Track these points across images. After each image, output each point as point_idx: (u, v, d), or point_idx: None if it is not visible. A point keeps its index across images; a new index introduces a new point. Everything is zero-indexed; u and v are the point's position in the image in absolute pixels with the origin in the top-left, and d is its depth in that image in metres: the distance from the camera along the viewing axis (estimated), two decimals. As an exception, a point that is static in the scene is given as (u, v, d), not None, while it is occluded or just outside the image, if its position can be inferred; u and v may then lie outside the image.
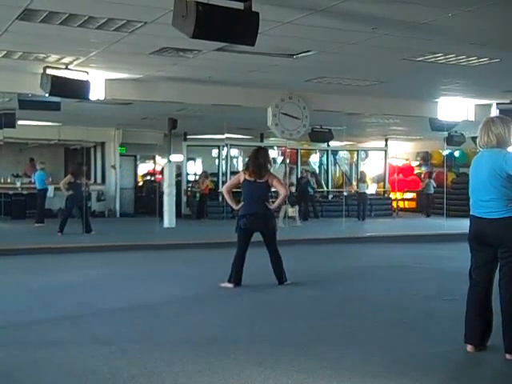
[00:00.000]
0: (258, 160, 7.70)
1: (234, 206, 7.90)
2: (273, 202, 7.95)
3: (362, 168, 21.96)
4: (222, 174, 20.10)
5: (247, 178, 7.67)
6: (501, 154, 4.62)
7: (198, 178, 20.41)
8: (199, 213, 19.04)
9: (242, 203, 7.77)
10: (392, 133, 21.16)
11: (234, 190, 8.09)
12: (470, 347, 4.79)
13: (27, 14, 7.15)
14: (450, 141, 16.96)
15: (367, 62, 9.96)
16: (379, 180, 23.02)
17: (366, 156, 23.79)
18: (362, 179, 19.67)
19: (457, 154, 21.92)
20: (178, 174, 19.78)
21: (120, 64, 10.32)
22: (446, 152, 20.06)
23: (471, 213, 4.80)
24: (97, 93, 11.12)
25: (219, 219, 17.81)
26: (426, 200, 21.04)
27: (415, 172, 23.84)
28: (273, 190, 8.06)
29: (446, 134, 16.38)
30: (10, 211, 17.92)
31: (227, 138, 18.86)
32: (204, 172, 20.16)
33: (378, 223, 17.79)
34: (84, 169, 14.29)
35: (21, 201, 18.47)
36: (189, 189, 20.33)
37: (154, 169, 23.74)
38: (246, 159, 8.24)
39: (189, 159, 21.07)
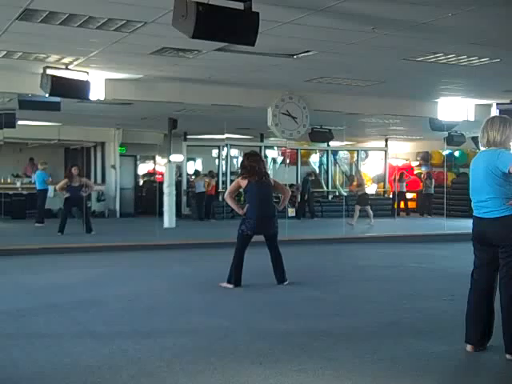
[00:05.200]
0: (260, 166, 7.75)
1: (241, 211, 7.70)
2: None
3: (361, 168, 22.03)
4: (222, 174, 20.09)
5: (252, 181, 7.66)
6: (496, 152, 4.63)
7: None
8: (201, 213, 18.97)
9: (247, 206, 7.74)
10: (392, 133, 21.15)
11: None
12: (469, 347, 4.80)
13: (27, 14, 7.14)
14: (450, 141, 16.92)
15: (367, 62, 9.95)
16: (379, 180, 23.02)
17: (366, 156, 23.79)
18: (401, 179, 20.12)
19: (457, 153, 21.91)
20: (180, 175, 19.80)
21: (120, 64, 10.32)
22: (446, 152, 20.05)
23: (473, 213, 4.81)
24: (97, 93, 11.10)
25: (219, 219, 17.79)
26: (424, 200, 21.20)
27: (415, 172, 23.83)
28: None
29: (446, 133, 16.35)
30: (9, 211, 17.89)
31: (227, 138, 18.84)
32: (210, 172, 19.84)
33: (378, 223, 17.71)
34: (74, 171, 14.07)
35: (21, 201, 18.43)
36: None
37: (154, 169, 23.72)
38: (241, 168, 8.04)
39: (189, 159, 21.01)
